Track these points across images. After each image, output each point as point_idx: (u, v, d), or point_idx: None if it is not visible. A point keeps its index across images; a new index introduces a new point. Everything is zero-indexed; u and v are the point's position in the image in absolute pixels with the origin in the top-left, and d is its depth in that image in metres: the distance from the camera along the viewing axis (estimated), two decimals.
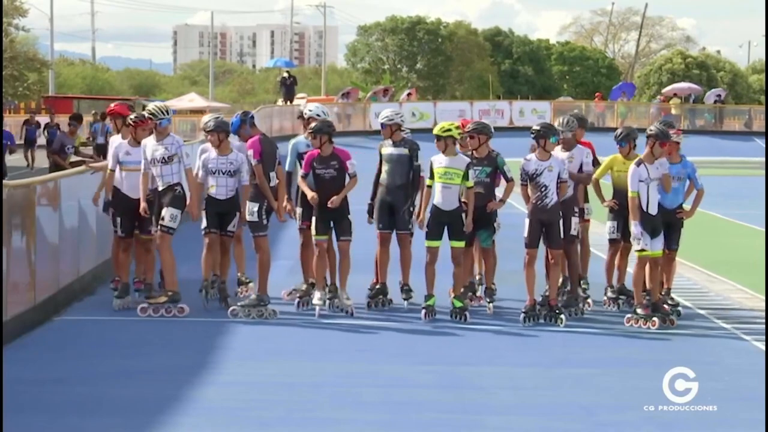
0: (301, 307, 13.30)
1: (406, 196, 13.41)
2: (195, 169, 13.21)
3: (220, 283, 13.52)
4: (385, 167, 13.44)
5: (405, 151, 13.42)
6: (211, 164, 13.17)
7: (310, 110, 13.59)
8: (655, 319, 12.74)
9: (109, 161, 13.43)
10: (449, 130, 13.04)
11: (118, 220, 13.44)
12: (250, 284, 13.89)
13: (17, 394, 9.30)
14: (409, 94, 61.79)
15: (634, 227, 12.77)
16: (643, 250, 12.79)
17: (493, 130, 13.61)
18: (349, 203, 13.10)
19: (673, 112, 56.09)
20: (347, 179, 12.94)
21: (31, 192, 12.39)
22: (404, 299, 13.49)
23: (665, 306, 13.08)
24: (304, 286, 13.63)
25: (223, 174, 13.15)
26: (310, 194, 12.89)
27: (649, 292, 12.91)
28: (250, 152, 13.06)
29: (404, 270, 13.49)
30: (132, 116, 13.45)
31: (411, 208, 13.37)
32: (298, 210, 13.49)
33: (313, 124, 13.12)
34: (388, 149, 13.47)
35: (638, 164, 12.79)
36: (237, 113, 14.09)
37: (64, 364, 10.73)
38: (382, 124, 13.54)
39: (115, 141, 13.55)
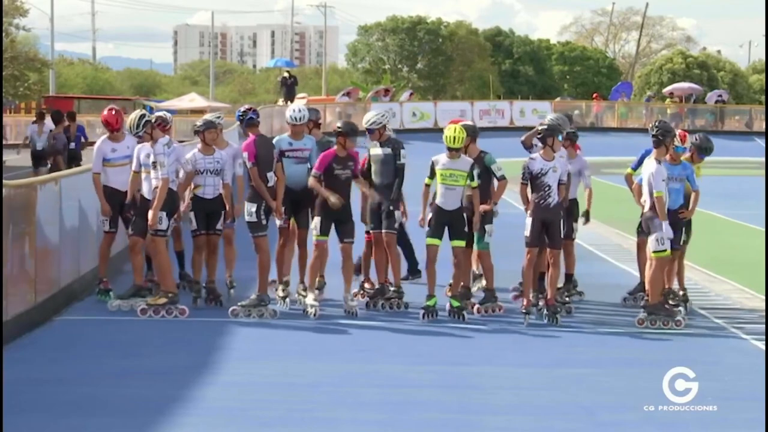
0: (286, 306, 13.37)
1: (394, 195, 13.40)
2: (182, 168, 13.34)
3: (209, 283, 13.53)
4: (373, 168, 13.47)
5: (389, 150, 13.44)
6: (199, 165, 13.24)
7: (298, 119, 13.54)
8: (679, 319, 12.75)
9: (134, 163, 13.28)
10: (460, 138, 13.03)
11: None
12: (231, 291, 13.83)
13: (17, 394, 9.30)
14: (411, 94, 61.94)
15: (666, 227, 12.68)
16: (665, 250, 12.76)
17: (477, 130, 13.69)
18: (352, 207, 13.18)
19: (669, 112, 56.16)
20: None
21: (31, 192, 12.38)
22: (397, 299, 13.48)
23: (665, 306, 13.10)
24: (280, 287, 13.68)
25: (210, 173, 13.23)
26: (333, 197, 12.91)
27: (650, 292, 12.93)
28: (245, 154, 13.09)
29: (395, 271, 13.46)
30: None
31: (391, 207, 13.31)
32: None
33: (339, 124, 13.20)
34: (375, 150, 13.51)
35: (659, 162, 12.76)
36: (242, 107, 14.17)
37: (64, 364, 10.73)
38: (369, 130, 13.53)
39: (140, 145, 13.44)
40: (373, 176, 13.45)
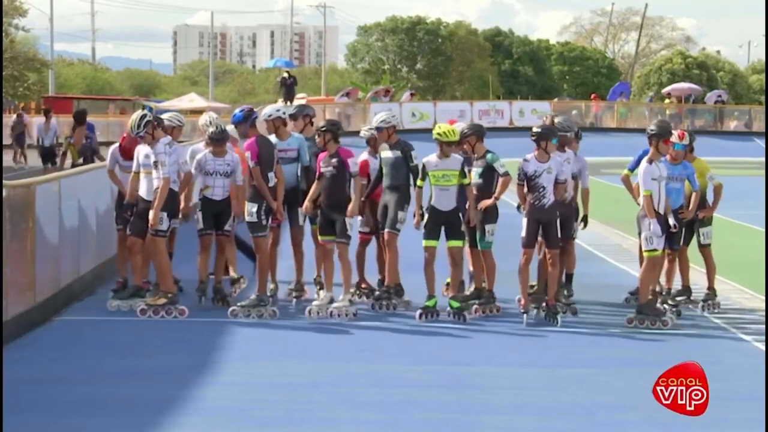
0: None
1: (402, 197, 13.36)
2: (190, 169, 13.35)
3: (216, 283, 13.54)
4: (384, 170, 13.49)
5: (399, 153, 13.43)
6: (209, 166, 13.26)
7: (269, 114, 13.65)
8: (666, 319, 12.74)
9: (134, 164, 13.30)
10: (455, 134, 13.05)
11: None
12: (242, 280, 13.88)
13: (17, 394, 9.30)
14: (412, 95, 61.92)
15: (653, 226, 12.69)
16: (655, 250, 12.76)
17: (484, 129, 13.71)
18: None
19: (668, 112, 56.20)
20: (349, 179, 13.06)
21: (31, 192, 12.38)
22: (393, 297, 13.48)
23: (664, 306, 13.11)
24: (272, 285, 13.71)
25: (220, 175, 13.25)
26: (307, 203, 13.13)
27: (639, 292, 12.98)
28: (248, 154, 13.10)
29: (391, 270, 13.42)
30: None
31: (421, 211, 13.30)
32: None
33: (321, 124, 13.33)
34: (385, 152, 13.53)
35: (650, 162, 12.76)
36: (242, 107, 14.20)
37: (64, 364, 10.73)
38: (378, 128, 13.56)
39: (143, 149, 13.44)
40: (383, 178, 13.48)
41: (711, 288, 14.02)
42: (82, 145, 23.68)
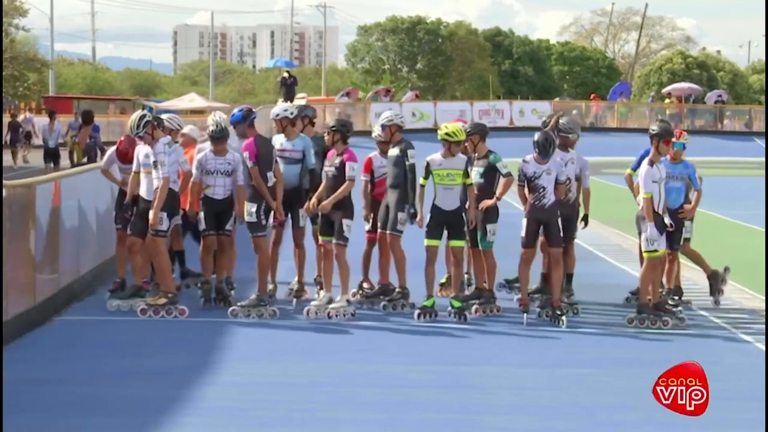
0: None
1: (402, 196, 13.33)
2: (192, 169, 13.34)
3: (217, 283, 13.54)
4: (387, 169, 13.51)
5: (398, 152, 13.44)
6: (210, 165, 13.25)
7: (276, 113, 13.68)
8: (666, 318, 12.73)
9: (134, 164, 13.30)
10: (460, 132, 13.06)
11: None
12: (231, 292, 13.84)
13: (17, 394, 9.29)
14: (416, 95, 61.90)
15: (650, 228, 12.68)
16: (656, 250, 12.75)
17: (487, 129, 13.72)
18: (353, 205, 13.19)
19: (668, 112, 56.23)
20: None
21: (31, 192, 12.38)
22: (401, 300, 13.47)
23: (666, 306, 13.11)
24: (271, 285, 13.70)
25: (221, 174, 13.25)
26: (312, 202, 13.16)
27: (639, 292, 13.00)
28: (246, 154, 13.10)
29: (399, 272, 13.40)
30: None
31: (412, 210, 13.23)
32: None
33: (330, 123, 13.40)
34: (390, 151, 13.55)
35: (650, 164, 12.76)
36: (241, 107, 14.20)
37: (64, 364, 10.73)
38: (382, 126, 13.57)
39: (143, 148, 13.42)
40: (387, 177, 13.50)
41: (710, 273, 14.01)
42: (86, 144, 23.69)
